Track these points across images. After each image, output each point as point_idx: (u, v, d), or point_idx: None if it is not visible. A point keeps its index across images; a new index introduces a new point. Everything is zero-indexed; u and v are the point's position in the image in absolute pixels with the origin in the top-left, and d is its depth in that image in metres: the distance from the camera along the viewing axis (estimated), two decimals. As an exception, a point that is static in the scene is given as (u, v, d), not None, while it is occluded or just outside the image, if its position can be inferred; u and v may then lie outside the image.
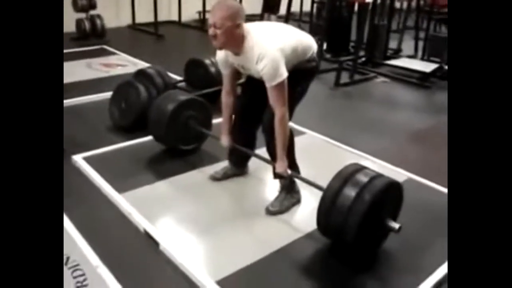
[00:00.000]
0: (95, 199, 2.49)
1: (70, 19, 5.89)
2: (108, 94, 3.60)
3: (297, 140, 2.50)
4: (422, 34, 6.26)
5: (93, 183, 2.63)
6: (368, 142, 3.38)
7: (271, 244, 2.16)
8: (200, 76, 3.95)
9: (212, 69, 3.90)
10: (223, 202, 2.56)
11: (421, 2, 7.00)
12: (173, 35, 7.17)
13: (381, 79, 5.29)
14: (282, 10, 6.68)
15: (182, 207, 2.48)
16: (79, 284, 1.82)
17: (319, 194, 2.05)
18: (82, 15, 6.13)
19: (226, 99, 2.51)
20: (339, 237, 2.01)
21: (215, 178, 2.72)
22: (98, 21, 6.15)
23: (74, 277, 1.86)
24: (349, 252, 2.09)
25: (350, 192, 1.93)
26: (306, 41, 2.31)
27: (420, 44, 6.11)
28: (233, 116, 2.57)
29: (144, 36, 7.02)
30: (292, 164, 2.41)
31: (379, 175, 2.03)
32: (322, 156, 3.14)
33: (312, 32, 5.43)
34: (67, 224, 2.18)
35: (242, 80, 2.63)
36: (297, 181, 2.48)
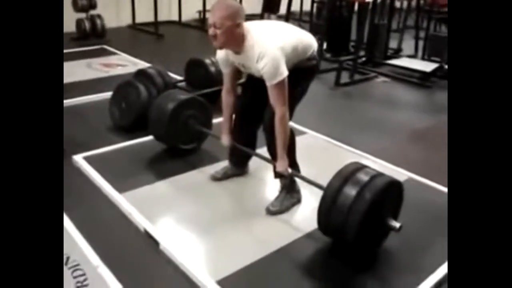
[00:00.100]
0: (96, 199, 2.50)
1: (70, 19, 5.89)
2: (108, 94, 3.60)
3: (298, 140, 2.49)
4: (422, 34, 6.26)
5: (94, 183, 2.64)
6: (369, 142, 3.38)
7: (271, 244, 2.16)
8: (200, 76, 3.95)
9: (212, 69, 3.90)
10: (224, 202, 2.56)
11: (421, 2, 7.00)
12: (173, 35, 7.18)
13: (381, 78, 5.28)
14: (282, 9, 6.68)
15: (183, 207, 2.48)
16: (79, 284, 1.82)
17: (319, 193, 2.05)
18: (82, 15, 6.13)
19: (226, 98, 2.51)
20: (340, 236, 2.01)
21: (216, 178, 2.72)
22: (98, 21, 6.15)
23: (75, 277, 1.86)
24: (349, 251, 2.09)
25: (351, 191, 1.93)
26: (306, 40, 2.31)
27: (421, 43, 6.10)
28: (234, 116, 2.57)
29: (144, 36, 7.02)
30: (293, 163, 2.42)
31: (379, 174, 2.03)
32: (322, 156, 3.14)
33: (312, 31, 5.39)
34: (68, 224, 2.18)
35: (242, 80, 2.63)
36: (298, 180, 2.48)
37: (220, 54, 2.33)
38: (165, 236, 2.16)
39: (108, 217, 2.35)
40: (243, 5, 2.29)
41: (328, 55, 5.88)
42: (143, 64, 4.85)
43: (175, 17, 7.92)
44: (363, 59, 5.69)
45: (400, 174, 2.80)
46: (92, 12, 6.17)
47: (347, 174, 2.00)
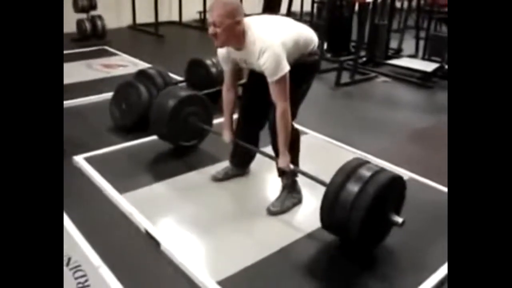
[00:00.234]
0: (96, 200, 2.50)
1: (70, 20, 5.89)
2: (108, 95, 3.60)
3: (298, 140, 2.49)
4: (422, 34, 6.26)
5: (94, 183, 2.64)
6: (369, 142, 3.38)
7: (272, 244, 2.16)
8: (201, 76, 3.95)
9: (213, 70, 3.90)
10: (224, 202, 2.56)
11: (422, 2, 7.00)
12: (174, 36, 7.18)
13: (382, 78, 5.28)
14: (283, 10, 6.68)
15: (183, 208, 2.48)
16: (80, 285, 1.82)
17: (320, 194, 2.04)
18: (83, 16, 6.14)
19: (227, 95, 2.50)
20: (343, 232, 2.00)
21: (216, 178, 2.72)
22: (98, 22, 6.15)
23: (76, 278, 1.86)
24: (352, 247, 2.08)
25: (354, 186, 1.92)
26: (307, 34, 2.30)
27: (421, 43, 6.10)
28: (235, 116, 2.57)
29: (144, 36, 7.03)
30: (294, 162, 2.40)
31: (381, 169, 2.02)
32: (323, 156, 3.14)
33: (313, 32, 5.42)
34: (68, 224, 2.18)
35: (243, 81, 2.63)
36: (299, 181, 2.48)
37: (221, 51, 2.32)
38: (166, 236, 2.16)
39: (109, 218, 2.35)
40: (244, 6, 2.28)
41: (328, 55, 5.88)
42: (143, 65, 4.84)
43: (175, 18, 7.92)
44: (364, 59, 5.69)
45: (400, 174, 2.79)
46: (93, 12, 6.18)
47: (350, 170, 1.99)
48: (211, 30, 2.09)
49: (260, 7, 6.96)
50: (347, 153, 3.14)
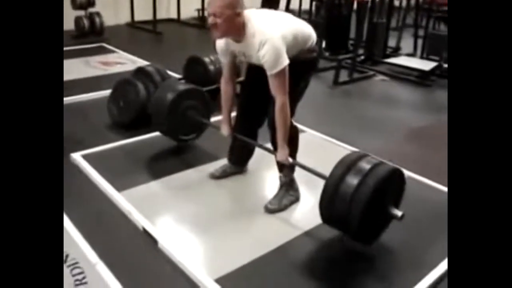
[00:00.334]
0: (94, 197, 2.49)
1: (68, 17, 5.86)
2: (106, 92, 3.59)
3: (296, 138, 2.49)
4: (421, 32, 6.26)
5: (92, 181, 2.63)
6: (367, 140, 3.38)
7: (270, 242, 2.16)
8: (199, 74, 3.95)
9: (211, 67, 3.90)
10: (222, 200, 2.56)
11: (420, 0, 7.00)
12: (172, 33, 7.16)
13: (380, 77, 5.28)
14: (281, 7, 6.67)
15: (181, 205, 2.48)
16: (78, 282, 1.82)
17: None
18: (81, 13, 6.12)
19: (225, 88, 2.49)
20: (342, 225, 1.99)
21: (214, 176, 2.72)
22: (97, 19, 6.13)
23: (73, 275, 1.85)
24: (351, 241, 2.07)
25: (353, 179, 1.91)
26: (306, 30, 2.30)
27: (419, 42, 6.10)
28: (233, 114, 2.56)
29: (143, 34, 7.01)
30: (291, 166, 2.40)
31: (381, 162, 2.01)
32: (321, 155, 3.13)
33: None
34: (66, 221, 2.17)
35: (241, 79, 2.62)
36: (297, 179, 2.48)
37: (220, 44, 2.31)
38: (164, 234, 2.16)
39: (107, 215, 2.35)
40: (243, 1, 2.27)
41: (327, 54, 5.88)
42: (141, 62, 4.84)
43: (174, 15, 7.91)
44: (362, 57, 5.69)
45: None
46: (91, 10, 6.16)
47: (349, 163, 1.98)
48: (211, 20, 2.07)
49: (258, 3, 6.94)
50: (345, 151, 3.09)
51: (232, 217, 2.40)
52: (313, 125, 3.53)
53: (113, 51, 5.70)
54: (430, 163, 3.07)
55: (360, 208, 1.87)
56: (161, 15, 7.49)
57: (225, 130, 2.56)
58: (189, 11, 7.96)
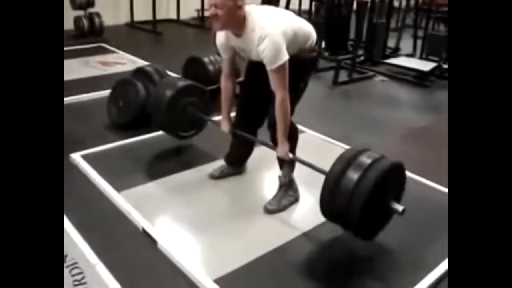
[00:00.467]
0: (93, 197, 2.49)
1: (68, 17, 5.86)
2: (106, 92, 3.59)
3: (296, 138, 2.49)
4: (420, 33, 6.26)
5: (91, 181, 2.63)
6: (367, 141, 3.36)
7: (269, 243, 2.15)
8: (198, 74, 3.94)
9: (211, 67, 3.90)
10: (222, 201, 2.56)
11: (420, 1, 7.00)
12: (172, 33, 7.16)
13: (379, 77, 5.29)
14: (281, 7, 6.67)
15: (180, 206, 2.48)
16: (77, 283, 1.82)
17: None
18: (80, 13, 6.12)
19: (225, 84, 2.48)
20: (343, 219, 1.97)
21: (213, 176, 2.72)
22: (96, 19, 6.14)
23: (72, 275, 1.85)
24: (352, 238, 2.06)
25: (354, 173, 1.90)
26: (307, 28, 2.30)
27: (419, 42, 6.11)
28: (233, 114, 2.56)
29: (142, 34, 7.01)
30: (291, 162, 2.40)
31: (382, 157, 2.00)
32: (320, 155, 3.12)
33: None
34: (65, 221, 2.17)
35: (240, 79, 2.62)
36: (296, 180, 2.48)
37: (220, 39, 2.30)
38: (163, 234, 2.16)
39: (106, 216, 2.35)
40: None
41: (326, 54, 5.88)
42: (141, 62, 4.84)
43: (173, 16, 7.91)
44: (362, 58, 5.70)
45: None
46: (90, 10, 6.16)
47: (350, 158, 1.97)
48: (212, 11, 2.05)
49: (258, 3, 6.95)
50: (345, 152, 3.14)
51: (231, 217, 2.40)
52: (313, 125, 3.53)
53: (112, 51, 5.70)
54: (430, 163, 3.07)
55: (361, 202, 1.85)
56: (160, 15, 7.49)
57: (225, 127, 2.55)
58: (188, 11, 7.96)
